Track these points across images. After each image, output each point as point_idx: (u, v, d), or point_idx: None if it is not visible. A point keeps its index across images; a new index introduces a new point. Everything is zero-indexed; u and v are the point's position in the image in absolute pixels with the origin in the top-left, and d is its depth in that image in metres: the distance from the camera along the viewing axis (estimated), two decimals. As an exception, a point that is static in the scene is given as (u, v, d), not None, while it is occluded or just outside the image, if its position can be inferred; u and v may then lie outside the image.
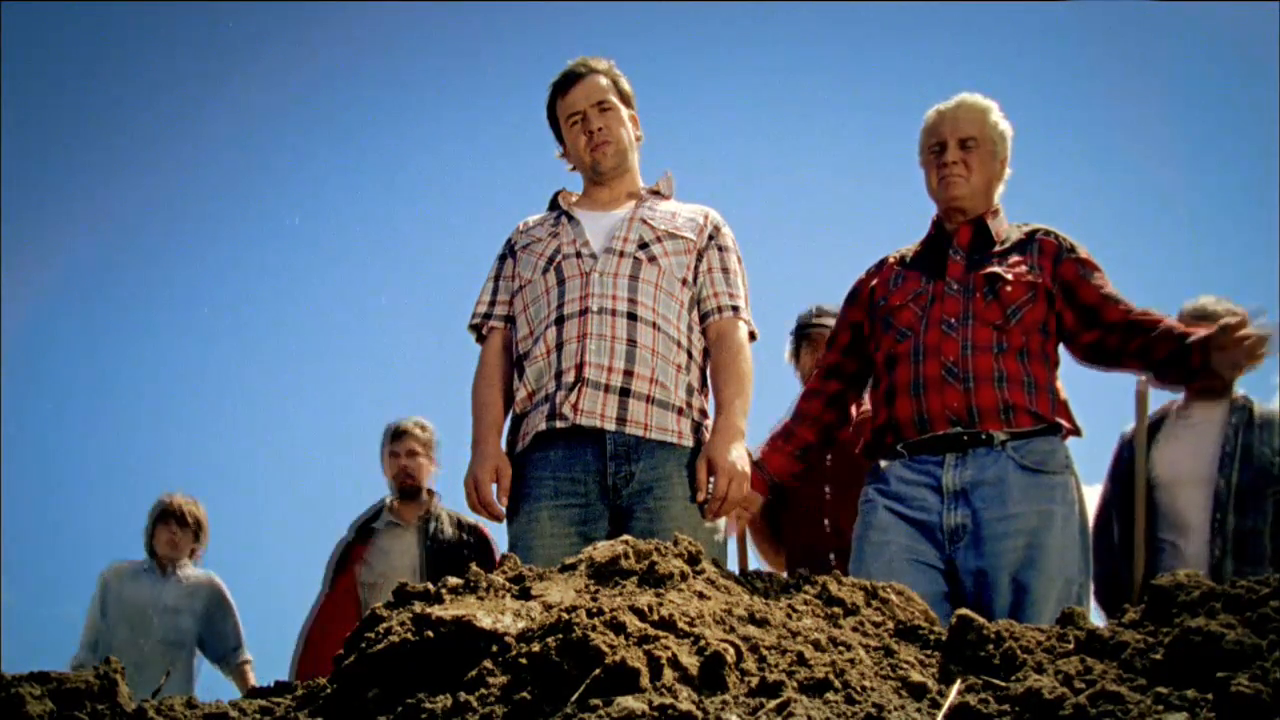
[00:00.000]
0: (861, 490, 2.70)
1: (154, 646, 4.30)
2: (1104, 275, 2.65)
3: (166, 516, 4.55)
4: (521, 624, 1.20)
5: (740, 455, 2.49)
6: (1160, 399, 3.47)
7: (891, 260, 2.86)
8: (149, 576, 4.49)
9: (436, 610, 1.22)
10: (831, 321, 3.22)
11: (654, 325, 2.58)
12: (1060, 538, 2.46)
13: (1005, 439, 2.50)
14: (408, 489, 4.21)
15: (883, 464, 2.63)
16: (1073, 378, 2.70)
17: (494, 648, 1.16)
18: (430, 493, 4.27)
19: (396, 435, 4.29)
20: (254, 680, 4.46)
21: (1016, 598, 2.39)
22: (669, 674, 1.07)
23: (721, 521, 2.60)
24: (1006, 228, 2.73)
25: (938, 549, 2.50)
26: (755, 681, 1.11)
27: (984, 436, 2.50)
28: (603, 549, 1.42)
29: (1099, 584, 3.35)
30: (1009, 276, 2.60)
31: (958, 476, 2.51)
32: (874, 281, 2.82)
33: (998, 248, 2.67)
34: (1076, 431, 2.61)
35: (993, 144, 2.70)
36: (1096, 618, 2.52)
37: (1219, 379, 2.92)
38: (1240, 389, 3.48)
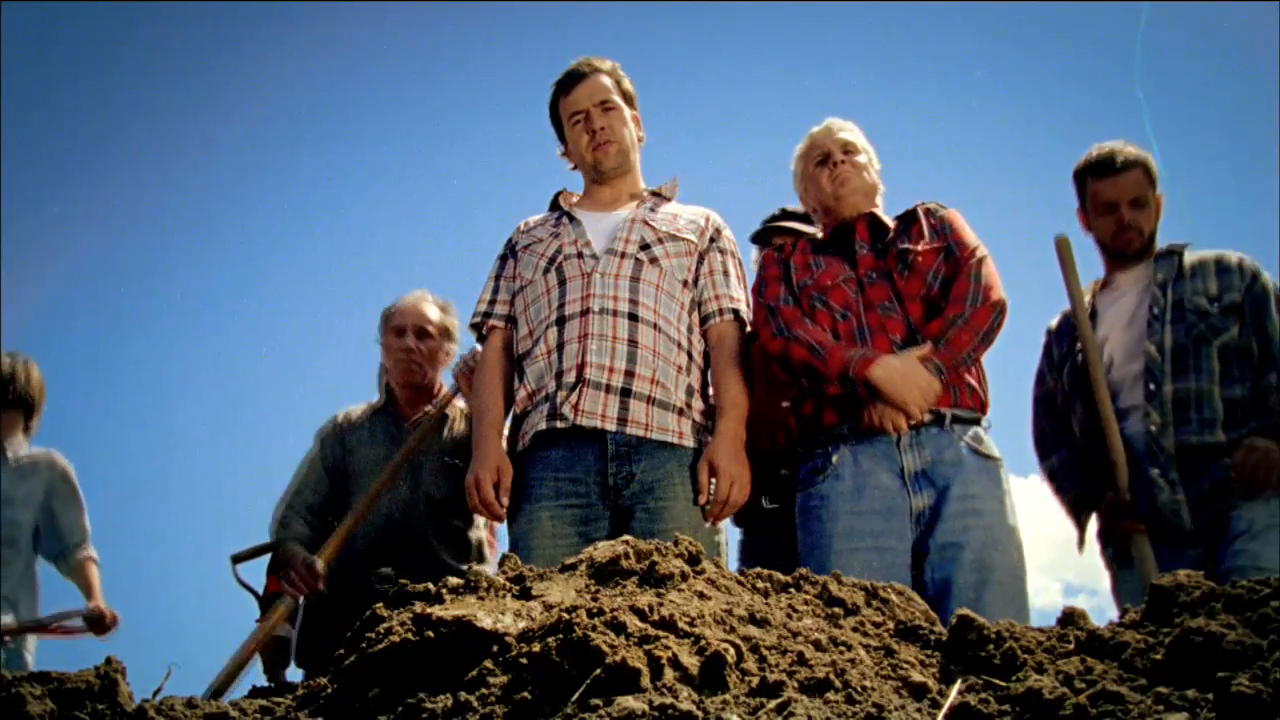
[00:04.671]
0: (804, 483, 2.63)
1: None
2: (961, 229, 2.72)
3: None
4: (522, 624, 1.20)
5: (742, 459, 2.49)
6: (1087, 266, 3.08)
7: (794, 244, 2.88)
8: None
9: (437, 610, 1.22)
10: (796, 225, 3.22)
11: (655, 326, 2.58)
12: (1010, 519, 2.52)
13: (951, 417, 2.54)
14: (413, 384, 3.29)
15: (834, 458, 2.57)
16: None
17: (494, 648, 1.16)
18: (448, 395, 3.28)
19: (398, 312, 3.34)
20: (99, 582, 3.69)
21: (980, 575, 2.41)
22: (669, 674, 1.07)
23: (722, 523, 2.59)
24: (889, 219, 2.83)
25: (904, 538, 2.48)
26: (756, 681, 1.11)
27: (935, 415, 2.54)
28: (603, 549, 1.42)
29: (1058, 471, 3.04)
30: (917, 248, 2.69)
31: (917, 457, 2.52)
32: (792, 259, 2.81)
33: (891, 234, 2.75)
34: (987, 405, 2.67)
35: (868, 153, 2.84)
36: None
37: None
38: (1166, 239, 3.03)
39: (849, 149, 2.80)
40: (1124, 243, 2.99)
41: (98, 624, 3.56)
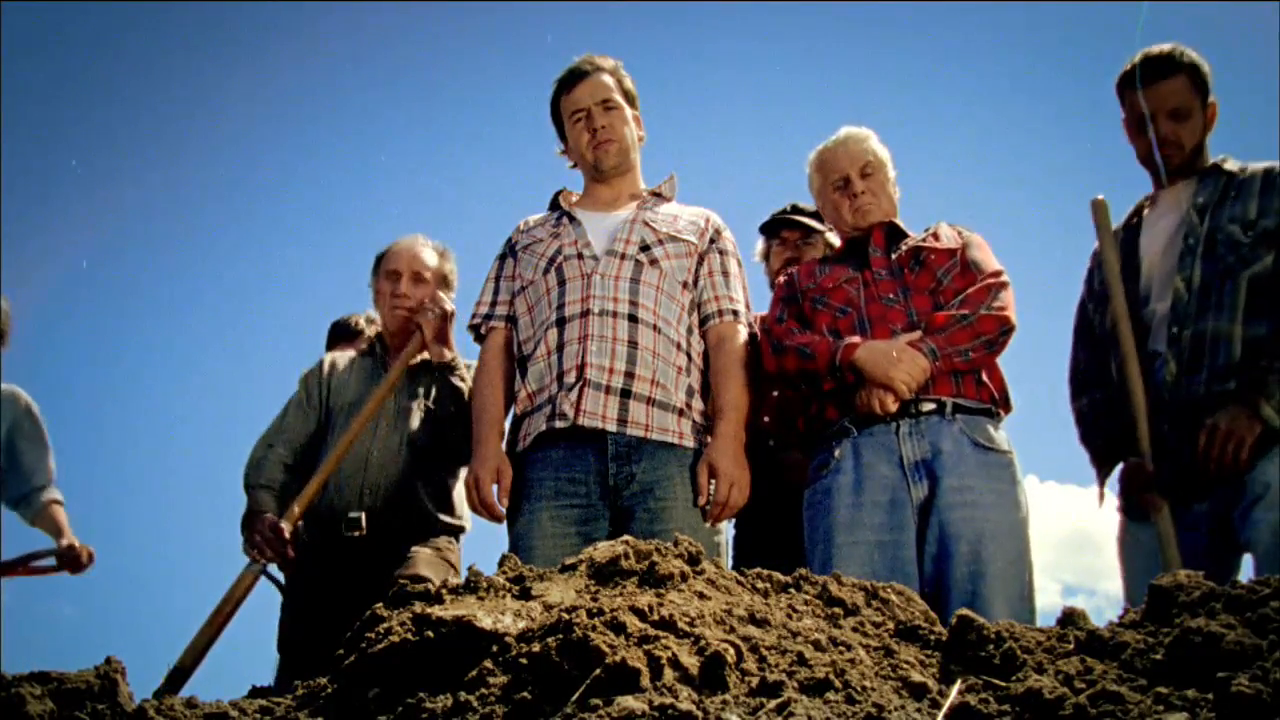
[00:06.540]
0: (810, 479, 2.63)
1: None
2: (985, 250, 2.70)
3: None
4: (522, 624, 1.20)
5: (741, 461, 2.49)
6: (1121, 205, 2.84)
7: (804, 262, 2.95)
8: None
9: (436, 610, 1.22)
10: (806, 220, 3.24)
11: (654, 328, 2.59)
12: (1012, 514, 2.47)
13: (953, 406, 2.51)
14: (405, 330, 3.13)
15: (837, 452, 2.56)
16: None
17: (494, 648, 1.16)
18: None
19: (393, 255, 3.19)
20: (67, 523, 3.40)
21: (974, 568, 2.39)
22: (669, 674, 1.07)
23: (722, 524, 2.59)
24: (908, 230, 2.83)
25: (907, 529, 2.47)
26: (755, 681, 1.11)
27: (936, 403, 2.52)
28: (603, 549, 1.42)
29: (1087, 414, 2.85)
30: (931, 245, 2.70)
31: (916, 447, 2.50)
32: (797, 273, 2.85)
33: (909, 239, 2.75)
34: (1007, 405, 2.63)
35: (886, 166, 2.82)
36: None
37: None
38: (1218, 155, 2.70)
39: (867, 170, 2.77)
40: (1161, 159, 2.70)
41: (72, 561, 3.32)
